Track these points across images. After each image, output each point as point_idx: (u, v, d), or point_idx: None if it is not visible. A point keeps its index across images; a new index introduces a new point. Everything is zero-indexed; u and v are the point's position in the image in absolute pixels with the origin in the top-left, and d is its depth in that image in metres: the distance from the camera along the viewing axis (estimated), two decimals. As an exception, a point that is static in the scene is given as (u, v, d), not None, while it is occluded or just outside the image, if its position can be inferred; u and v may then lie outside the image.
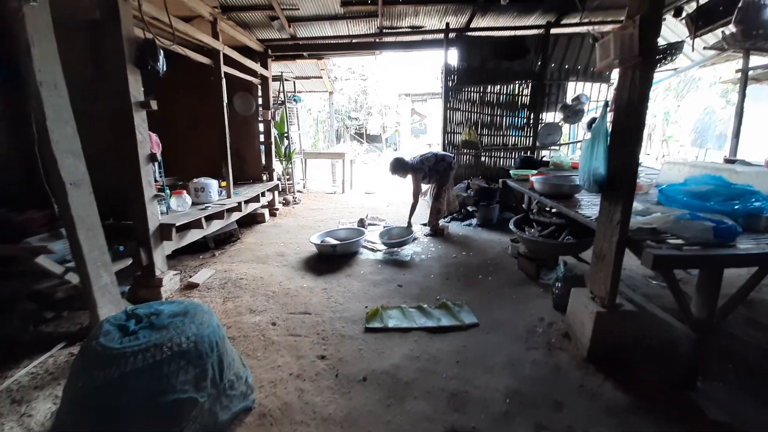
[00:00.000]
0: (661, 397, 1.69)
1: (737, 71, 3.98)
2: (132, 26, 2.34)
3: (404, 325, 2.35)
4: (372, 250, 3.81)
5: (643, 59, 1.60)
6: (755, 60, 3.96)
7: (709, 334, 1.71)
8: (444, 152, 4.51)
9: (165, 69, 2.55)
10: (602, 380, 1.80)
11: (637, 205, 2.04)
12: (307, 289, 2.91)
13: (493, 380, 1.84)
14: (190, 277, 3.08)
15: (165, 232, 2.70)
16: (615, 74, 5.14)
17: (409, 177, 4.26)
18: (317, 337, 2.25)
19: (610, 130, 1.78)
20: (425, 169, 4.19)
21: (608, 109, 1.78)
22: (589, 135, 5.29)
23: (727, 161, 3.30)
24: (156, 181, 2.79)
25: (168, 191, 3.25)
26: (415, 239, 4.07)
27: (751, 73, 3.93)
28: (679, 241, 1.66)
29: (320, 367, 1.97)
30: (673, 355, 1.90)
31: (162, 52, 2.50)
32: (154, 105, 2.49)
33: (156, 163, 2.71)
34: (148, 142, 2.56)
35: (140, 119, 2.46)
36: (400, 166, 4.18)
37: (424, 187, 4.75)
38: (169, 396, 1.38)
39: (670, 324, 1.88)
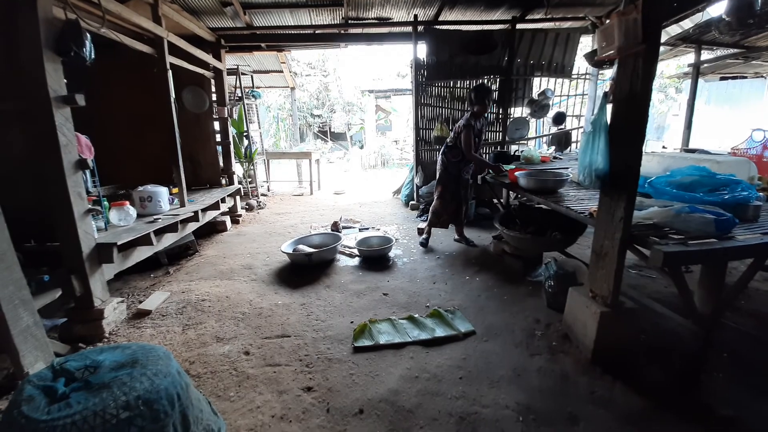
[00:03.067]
0: (671, 397, 1.64)
1: (689, 65, 4.22)
2: (51, 5, 1.88)
3: (397, 340, 2.14)
4: (350, 255, 3.56)
5: (647, 47, 1.51)
6: (705, 55, 4.24)
7: (714, 328, 1.69)
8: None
9: (93, 57, 2.10)
10: (611, 383, 1.73)
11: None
12: (283, 306, 2.59)
13: (501, 396, 1.69)
14: (140, 303, 2.63)
15: (104, 253, 2.25)
16: (576, 69, 5.34)
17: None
18: (300, 365, 1.97)
19: (609, 122, 1.69)
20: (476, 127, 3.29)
21: (608, 100, 1.69)
22: (556, 128, 5.40)
23: (687, 151, 3.45)
24: (88, 192, 2.31)
25: (106, 203, 2.75)
26: (396, 240, 3.88)
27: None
28: (681, 236, 1.62)
29: (307, 402, 1.70)
30: (677, 352, 1.87)
31: (88, 36, 2.05)
32: (81, 100, 2.03)
33: (87, 171, 2.24)
34: (76, 146, 2.10)
35: (63, 118, 1.99)
36: (484, 91, 3.27)
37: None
38: (116, 478, 1.05)
39: (672, 320, 1.85)
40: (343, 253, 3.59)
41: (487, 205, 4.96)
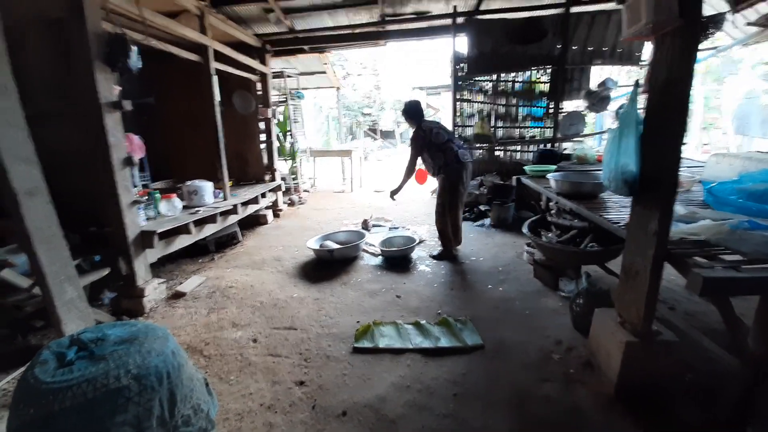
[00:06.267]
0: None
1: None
2: (99, 20, 2.17)
3: (397, 345, 2.07)
4: (373, 254, 3.55)
5: (685, 22, 1.23)
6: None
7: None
8: (460, 146, 3.24)
9: (140, 66, 2.37)
10: (633, 426, 1.46)
11: (678, 209, 1.66)
12: (297, 299, 2.68)
13: (494, 421, 1.53)
14: (179, 284, 2.94)
15: (146, 239, 2.55)
16: (646, 55, 4.62)
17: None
18: (299, 358, 2.02)
19: (642, 116, 1.42)
20: (428, 138, 3.11)
21: (640, 91, 1.42)
22: (616, 124, 4.78)
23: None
24: (135, 186, 2.63)
25: (158, 195, 3.12)
26: (421, 241, 3.77)
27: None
28: (737, 257, 1.29)
29: (297, 396, 1.73)
30: (720, 394, 1.52)
31: (134, 49, 2.32)
32: (128, 105, 2.32)
33: (135, 167, 2.55)
34: (125, 145, 2.41)
35: (113, 121, 2.29)
36: (412, 111, 3.22)
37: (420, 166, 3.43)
38: (100, 442, 1.18)
39: (719, 357, 1.51)
40: (366, 251, 3.60)
41: (531, 209, 4.57)
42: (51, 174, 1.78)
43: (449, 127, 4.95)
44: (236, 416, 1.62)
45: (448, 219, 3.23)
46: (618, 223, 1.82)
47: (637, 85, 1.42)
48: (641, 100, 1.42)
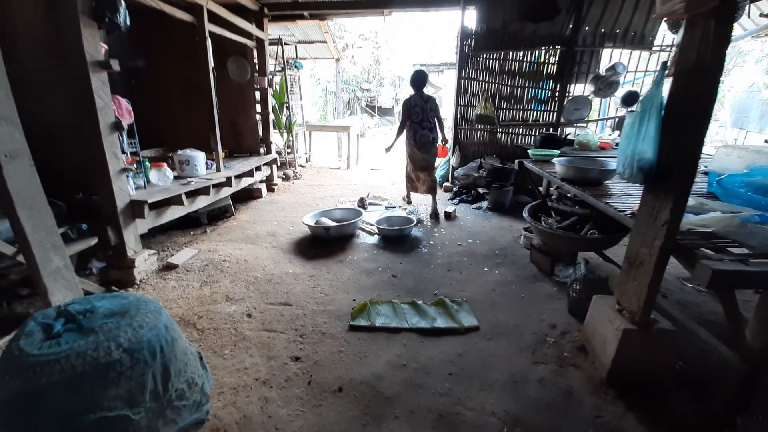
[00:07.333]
0: (697, 438, 1.37)
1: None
2: None
3: (393, 324, 2.07)
4: (369, 233, 3.51)
5: (720, 3, 1.15)
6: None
7: (764, 366, 1.36)
8: (428, 128, 3.80)
9: (128, 23, 2.19)
10: (623, 412, 1.49)
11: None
12: (293, 275, 2.65)
13: (490, 401, 1.55)
14: (171, 256, 2.87)
15: (136, 209, 2.45)
16: (659, 40, 4.47)
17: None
18: (294, 334, 2.01)
19: (665, 101, 1.35)
20: (409, 110, 3.76)
21: (666, 73, 1.34)
22: (626, 110, 4.67)
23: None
24: (124, 152, 2.50)
25: (147, 164, 2.99)
26: (419, 222, 3.74)
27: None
28: (744, 251, 1.28)
29: (292, 371, 1.73)
30: (714, 386, 1.55)
31: (123, 3, 2.13)
32: (115, 65, 2.16)
33: (124, 133, 2.42)
34: (113, 109, 2.26)
35: (100, 82, 2.14)
36: (411, 80, 3.82)
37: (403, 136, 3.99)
38: (92, 415, 1.15)
39: (715, 348, 1.53)
40: (363, 229, 3.56)
41: (529, 193, 4.54)
42: (36, 139, 1.67)
43: (451, 106, 4.83)
44: (231, 390, 1.61)
45: (408, 173, 4.17)
46: (624, 211, 1.80)
47: (664, 67, 1.34)
48: (666, 84, 1.35)
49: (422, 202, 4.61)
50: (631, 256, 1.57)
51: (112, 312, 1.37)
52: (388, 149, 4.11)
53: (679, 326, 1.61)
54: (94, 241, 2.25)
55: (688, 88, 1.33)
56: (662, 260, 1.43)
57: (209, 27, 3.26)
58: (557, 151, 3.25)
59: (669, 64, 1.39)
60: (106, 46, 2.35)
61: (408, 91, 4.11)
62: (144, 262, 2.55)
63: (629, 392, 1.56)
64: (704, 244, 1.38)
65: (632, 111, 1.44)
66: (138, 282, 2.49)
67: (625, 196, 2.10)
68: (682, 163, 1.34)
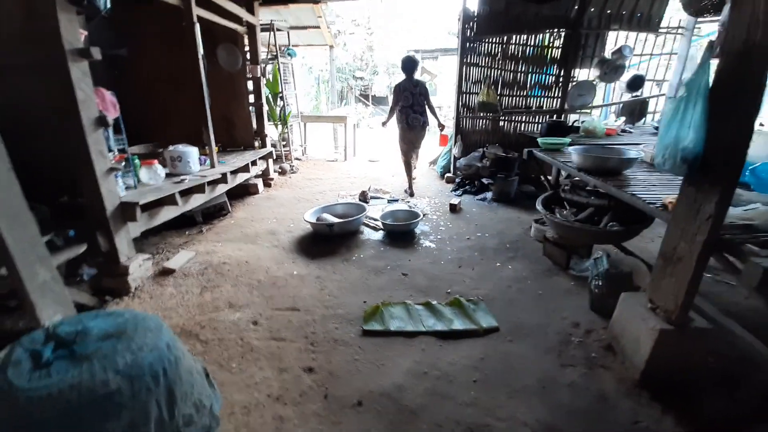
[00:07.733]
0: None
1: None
2: None
3: (409, 328, 1.97)
4: (374, 228, 3.38)
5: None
6: None
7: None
8: (418, 111, 4.04)
9: (109, 7, 1.98)
10: (660, 415, 1.42)
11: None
12: (298, 277, 2.52)
13: (520, 410, 1.47)
14: (167, 260, 2.71)
15: (128, 211, 2.28)
16: (667, 21, 4.34)
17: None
18: (305, 342, 1.89)
19: (711, 84, 1.23)
20: (399, 94, 4.01)
21: (712, 54, 1.22)
22: (630, 95, 4.55)
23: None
24: (111, 150, 2.31)
25: (137, 161, 2.79)
26: (424, 215, 3.62)
27: None
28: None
29: (306, 384, 1.62)
30: (752, 385, 1.49)
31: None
32: (96, 54, 1.95)
33: (110, 128, 2.22)
34: (95, 102, 2.06)
35: (80, 72, 1.94)
36: (401, 65, 4.08)
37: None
38: (91, 452, 1.03)
39: (752, 347, 1.45)
40: (367, 225, 3.43)
41: (534, 183, 4.44)
42: (14, 138, 1.48)
43: (453, 94, 4.66)
44: (242, 410, 1.49)
45: (404, 156, 4.36)
46: (654, 203, 1.69)
47: (711, 47, 1.22)
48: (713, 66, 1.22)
49: (424, 195, 4.49)
50: (667, 251, 1.47)
51: (107, 333, 1.23)
52: (384, 123, 4.31)
53: (715, 324, 1.53)
54: (83, 248, 2.08)
55: (736, 70, 1.21)
56: (704, 256, 1.34)
57: (197, 11, 3.02)
58: (568, 140, 3.13)
59: (715, 44, 1.25)
60: (85, 33, 2.13)
61: (401, 78, 4.13)
62: (138, 268, 2.38)
63: (663, 393, 1.49)
64: (748, 239, 1.28)
65: (674, 98, 1.32)
66: (133, 290, 2.33)
67: (649, 187, 2.00)
68: (730, 152, 1.23)
